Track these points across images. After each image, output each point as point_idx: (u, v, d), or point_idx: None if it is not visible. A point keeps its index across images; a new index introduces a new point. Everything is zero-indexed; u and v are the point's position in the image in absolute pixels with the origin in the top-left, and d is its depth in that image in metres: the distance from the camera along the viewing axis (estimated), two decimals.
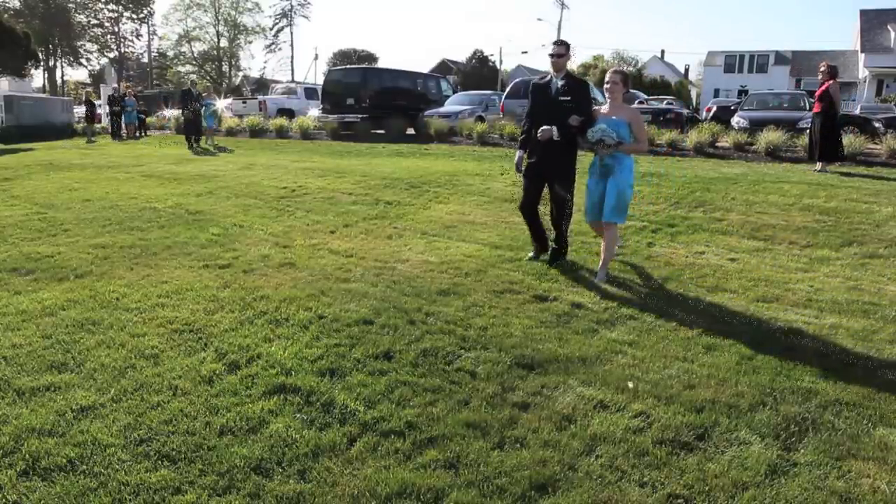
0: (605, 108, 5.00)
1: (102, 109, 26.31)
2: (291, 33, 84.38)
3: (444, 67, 53.39)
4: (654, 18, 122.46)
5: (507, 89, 18.71)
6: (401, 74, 20.52)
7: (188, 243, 5.89)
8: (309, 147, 15.37)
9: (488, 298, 4.42)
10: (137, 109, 21.24)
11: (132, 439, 2.64)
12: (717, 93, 44.16)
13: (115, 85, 28.33)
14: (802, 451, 2.63)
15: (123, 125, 20.41)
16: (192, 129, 16.39)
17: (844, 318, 4.13)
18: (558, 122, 4.99)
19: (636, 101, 22.08)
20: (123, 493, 2.31)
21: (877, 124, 14.59)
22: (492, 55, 53.23)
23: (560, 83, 5.12)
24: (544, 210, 5.45)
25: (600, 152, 4.87)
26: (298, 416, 2.85)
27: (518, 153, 5.39)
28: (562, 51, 5.16)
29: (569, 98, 5.04)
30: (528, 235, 5.55)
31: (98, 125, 23.38)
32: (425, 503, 2.30)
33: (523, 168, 5.34)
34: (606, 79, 4.99)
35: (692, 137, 12.88)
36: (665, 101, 22.89)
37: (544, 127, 5.03)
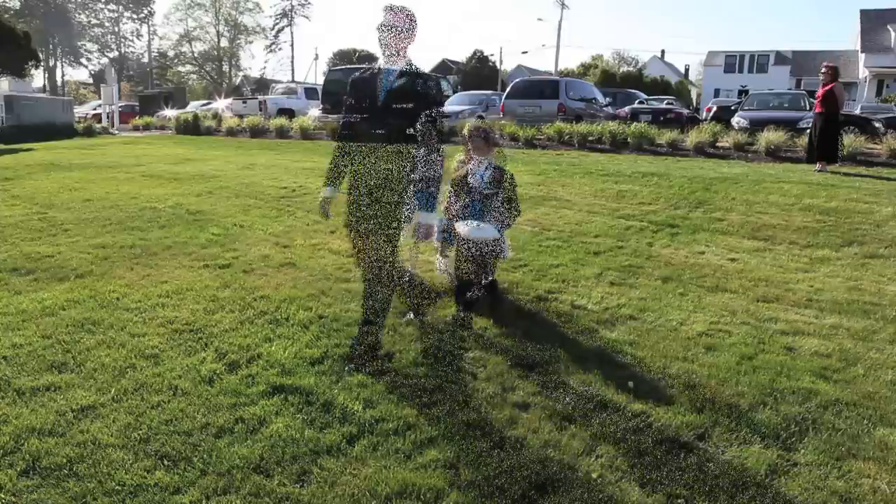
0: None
1: (103, 109, 26.36)
2: (291, 33, 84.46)
3: (444, 67, 53.39)
4: (654, 18, 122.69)
5: (508, 89, 18.75)
6: None
7: (188, 243, 5.89)
8: (309, 147, 15.37)
9: (488, 298, 4.41)
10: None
11: (132, 439, 2.64)
12: (717, 93, 44.23)
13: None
14: (802, 451, 2.63)
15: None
16: None
17: (844, 318, 4.13)
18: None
19: (636, 101, 22.10)
20: (123, 493, 2.31)
21: (877, 124, 14.58)
22: (492, 55, 53.19)
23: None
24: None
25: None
26: (298, 416, 2.85)
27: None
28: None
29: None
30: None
31: (98, 125, 23.42)
32: (425, 503, 2.30)
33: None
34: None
35: (692, 137, 12.89)
36: (665, 101, 22.93)
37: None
